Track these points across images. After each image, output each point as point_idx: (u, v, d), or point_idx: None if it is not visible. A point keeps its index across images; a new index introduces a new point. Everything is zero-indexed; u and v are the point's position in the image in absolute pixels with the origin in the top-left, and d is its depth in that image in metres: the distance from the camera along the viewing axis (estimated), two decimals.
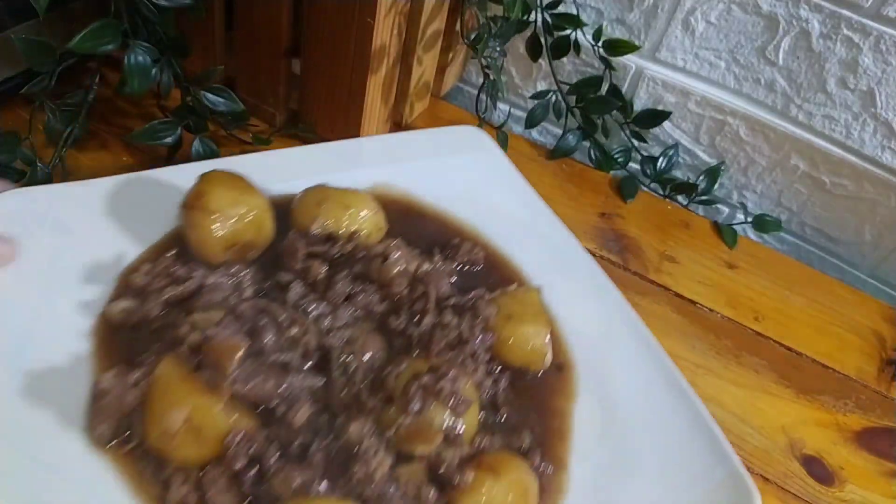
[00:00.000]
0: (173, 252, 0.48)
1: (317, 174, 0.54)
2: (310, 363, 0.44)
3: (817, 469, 0.61)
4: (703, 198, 0.83)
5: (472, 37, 0.68)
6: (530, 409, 0.47)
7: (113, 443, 0.40)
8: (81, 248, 0.47)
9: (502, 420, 0.46)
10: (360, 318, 0.46)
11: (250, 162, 0.52)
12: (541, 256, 0.56)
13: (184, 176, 0.50)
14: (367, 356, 0.44)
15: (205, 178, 0.48)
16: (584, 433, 0.47)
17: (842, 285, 0.79)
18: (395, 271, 0.47)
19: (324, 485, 0.39)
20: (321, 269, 0.47)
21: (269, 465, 0.40)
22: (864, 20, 0.69)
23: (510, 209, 0.60)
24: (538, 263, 0.56)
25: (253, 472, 0.40)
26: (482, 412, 0.46)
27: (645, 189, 0.83)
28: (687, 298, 0.72)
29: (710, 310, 0.72)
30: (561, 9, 0.78)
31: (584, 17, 0.80)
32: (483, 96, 0.76)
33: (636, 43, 0.79)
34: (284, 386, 0.41)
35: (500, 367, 0.49)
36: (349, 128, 0.73)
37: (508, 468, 0.42)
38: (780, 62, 0.75)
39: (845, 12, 0.69)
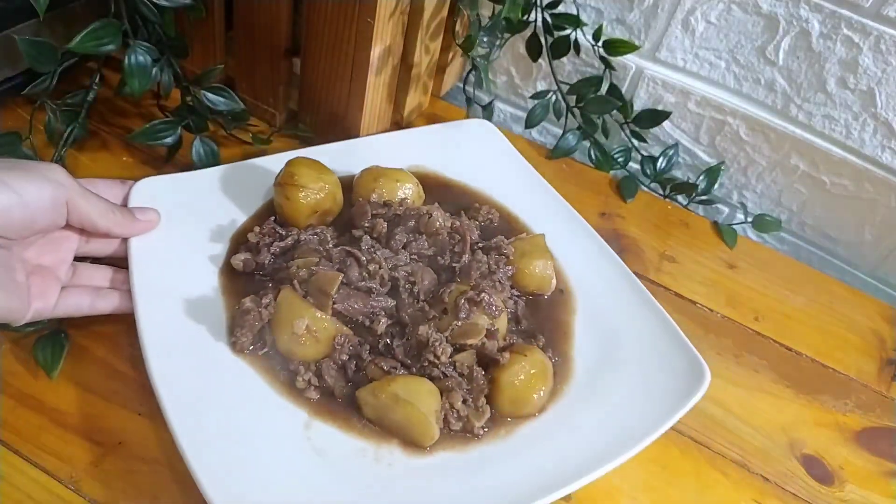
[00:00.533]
0: (273, 218, 0.62)
1: (366, 160, 0.68)
2: (384, 290, 0.58)
3: (817, 469, 0.61)
4: (703, 198, 0.83)
5: (462, 40, 0.69)
6: (542, 320, 0.63)
7: (250, 349, 0.55)
8: (205, 216, 0.63)
9: (523, 328, 0.61)
10: (415, 259, 0.61)
11: (317, 151, 0.68)
12: (539, 213, 0.71)
13: (271, 163, 0.66)
14: (424, 283, 0.59)
15: (293, 162, 0.62)
16: (581, 337, 0.62)
17: (842, 285, 0.79)
18: (437, 225, 0.62)
19: (402, 370, 0.54)
20: (384, 226, 0.62)
21: (364, 357, 0.55)
22: (864, 20, 0.69)
23: (513, 181, 0.74)
24: (537, 219, 0.71)
25: (353, 363, 0.55)
26: (509, 323, 0.61)
27: (645, 189, 0.83)
28: (687, 298, 0.72)
29: (710, 309, 0.72)
30: (561, 9, 0.78)
31: (584, 17, 0.80)
32: (468, 88, 0.77)
33: (636, 43, 0.79)
34: (370, 305, 0.56)
35: (518, 293, 0.64)
36: (349, 127, 0.74)
37: (533, 352, 0.57)
38: (780, 62, 0.75)
39: (845, 12, 0.69)
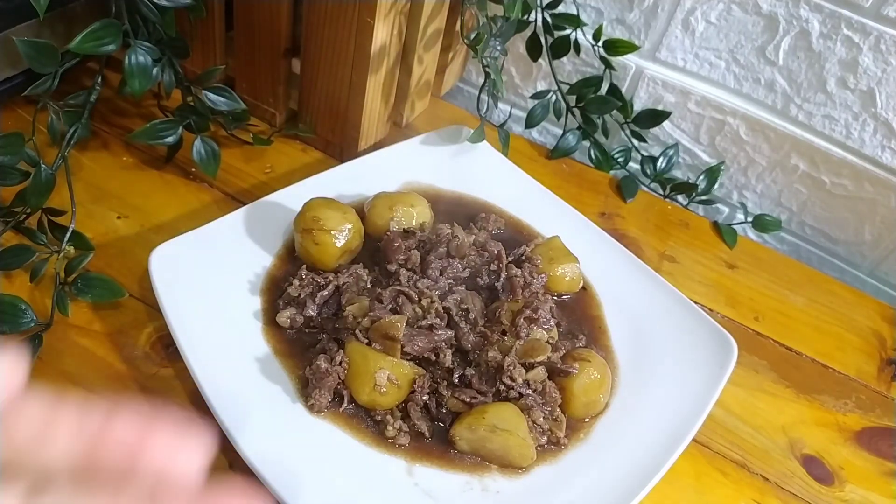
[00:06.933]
0: (304, 266, 0.60)
1: (363, 183, 0.69)
2: (444, 322, 0.58)
3: (817, 469, 0.61)
4: (703, 198, 0.83)
5: (472, 37, 0.68)
6: (577, 319, 0.65)
7: (326, 408, 0.54)
8: (230, 269, 0.60)
9: (563, 330, 0.63)
10: (454, 284, 0.61)
11: (316, 182, 0.67)
12: (537, 214, 0.72)
13: (278, 199, 0.65)
14: (476, 308, 0.59)
15: (311, 205, 0.61)
16: (615, 329, 0.64)
17: (842, 285, 0.79)
18: (467, 246, 0.62)
19: (480, 398, 0.55)
20: (417, 256, 0.61)
21: (444, 393, 0.55)
22: (864, 20, 0.69)
23: (502, 183, 0.74)
24: (540, 221, 0.72)
25: (433, 401, 0.55)
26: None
27: (645, 189, 0.83)
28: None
29: (710, 310, 0.72)
30: (561, 9, 0.78)
31: (584, 17, 0.80)
32: (484, 96, 0.76)
33: (636, 43, 0.79)
34: (434, 340, 0.56)
35: (549, 296, 0.64)
36: (349, 128, 0.74)
37: (593, 356, 0.59)
38: (780, 62, 0.75)
39: (845, 12, 0.69)
